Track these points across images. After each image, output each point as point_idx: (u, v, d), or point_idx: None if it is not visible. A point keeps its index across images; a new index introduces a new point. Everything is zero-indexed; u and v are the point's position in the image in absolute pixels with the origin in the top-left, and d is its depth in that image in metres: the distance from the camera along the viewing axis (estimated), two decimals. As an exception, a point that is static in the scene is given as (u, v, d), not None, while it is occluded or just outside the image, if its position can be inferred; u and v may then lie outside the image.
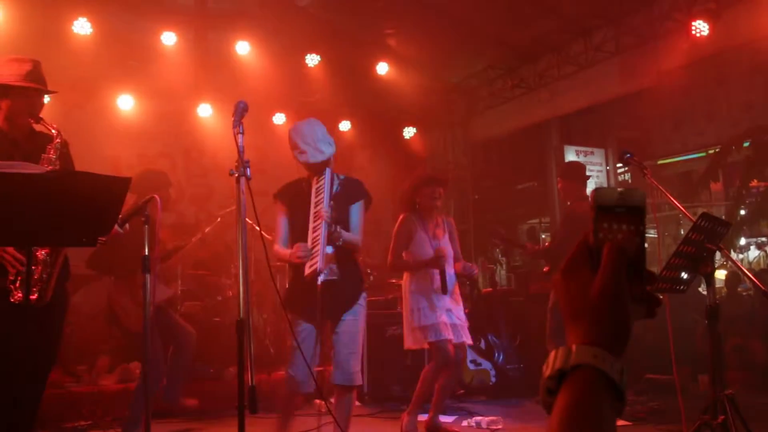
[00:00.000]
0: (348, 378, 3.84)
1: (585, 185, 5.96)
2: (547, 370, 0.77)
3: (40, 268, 3.05)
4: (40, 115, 3.25)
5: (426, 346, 4.82)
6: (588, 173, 9.79)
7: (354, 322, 3.85)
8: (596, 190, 0.82)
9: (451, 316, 4.80)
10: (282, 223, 3.92)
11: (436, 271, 4.78)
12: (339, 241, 3.74)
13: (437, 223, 5.02)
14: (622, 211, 0.81)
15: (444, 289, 4.75)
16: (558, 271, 0.83)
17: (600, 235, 0.81)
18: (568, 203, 6.09)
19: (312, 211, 3.79)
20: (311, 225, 3.75)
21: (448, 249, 4.91)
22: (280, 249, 3.84)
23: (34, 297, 3.02)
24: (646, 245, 0.82)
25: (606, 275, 0.78)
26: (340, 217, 3.82)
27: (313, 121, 3.95)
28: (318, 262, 3.61)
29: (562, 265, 0.83)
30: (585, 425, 0.72)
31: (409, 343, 4.88)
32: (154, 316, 4.97)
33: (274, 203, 3.98)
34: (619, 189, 0.83)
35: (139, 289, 4.90)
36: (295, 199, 3.93)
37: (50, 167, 3.10)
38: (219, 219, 6.17)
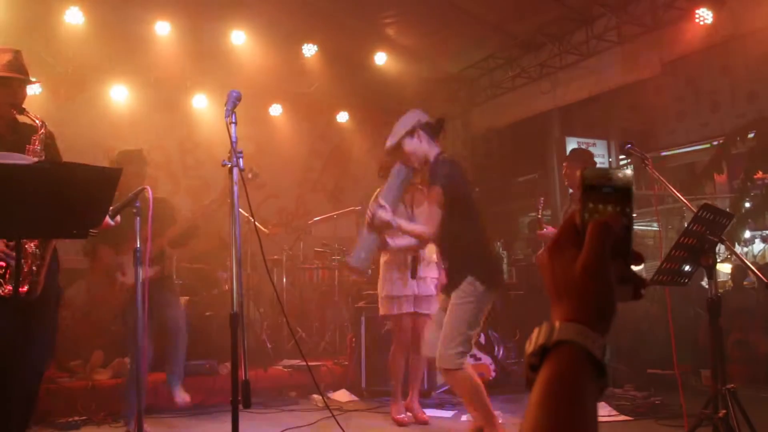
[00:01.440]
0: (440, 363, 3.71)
1: None
2: (530, 347, 0.78)
3: (29, 261, 3.05)
4: (23, 106, 3.24)
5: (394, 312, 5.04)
6: (592, 164, 9.87)
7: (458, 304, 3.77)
8: (584, 170, 0.83)
9: (421, 286, 5.05)
10: None
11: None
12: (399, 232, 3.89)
13: (413, 194, 5.09)
14: (609, 191, 0.82)
15: (413, 274, 4.97)
16: (545, 249, 0.84)
17: (587, 215, 0.81)
18: (571, 191, 6.12)
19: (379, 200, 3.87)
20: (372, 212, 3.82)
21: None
22: None
23: (24, 290, 3.02)
24: (634, 227, 0.83)
25: (589, 252, 0.78)
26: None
27: (409, 112, 4.01)
28: (353, 257, 3.88)
29: (549, 244, 0.83)
30: (566, 398, 0.73)
31: (381, 310, 5.16)
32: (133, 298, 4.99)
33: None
34: (607, 169, 0.84)
35: (109, 270, 4.95)
36: None
37: (35, 158, 3.09)
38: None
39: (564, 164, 6.03)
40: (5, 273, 2.99)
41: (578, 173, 0.84)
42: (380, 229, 3.76)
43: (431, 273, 5.15)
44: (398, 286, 5.02)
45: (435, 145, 3.89)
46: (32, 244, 3.06)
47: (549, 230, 5.54)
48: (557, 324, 0.77)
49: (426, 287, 5.09)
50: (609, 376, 0.77)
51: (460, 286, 3.68)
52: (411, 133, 3.82)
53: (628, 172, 0.83)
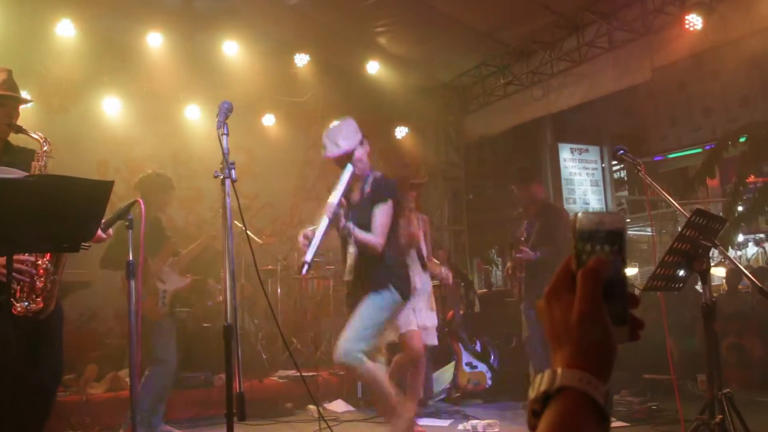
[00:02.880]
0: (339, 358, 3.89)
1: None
2: (533, 393, 0.79)
3: (44, 277, 3.03)
4: (20, 125, 3.22)
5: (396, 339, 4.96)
6: (584, 171, 9.90)
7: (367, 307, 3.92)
8: (576, 216, 0.84)
9: (421, 317, 4.96)
10: None
11: None
12: (350, 238, 3.89)
13: (410, 221, 5.05)
14: (602, 234, 0.83)
15: None
16: (543, 296, 0.85)
17: (583, 259, 0.83)
18: (549, 203, 6.19)
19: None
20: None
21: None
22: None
23: (40, 306, 3.00)
24: (626, 270, 0.84)
25: (581, 299, 0.80)
26: (363, 218, 3.91)
27: (345, 119, 4.16)
28: (307, 254, 3.71)
29: (546, 291, 0.84)
30: None
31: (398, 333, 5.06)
32: (169, 305, 5.06)
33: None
34: (599, 213, 0.85)
35: (150, 277, 5.02)
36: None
37: (25, 173, 3.08)
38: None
39: (513, 187, 6.00)
40: (17, 292, 2.95)
41: (572, 217, 0.86)
42: (336, 225, 3.88)
43: (425, 303, 5.10)
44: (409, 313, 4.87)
45: None
46: (45, 260, 3.04)
47: (525, 253, 5.58)
48: (559, 370, 0.78)
49: (420, 318, 4.97)
50: (610, 422, 0.78)
51: (381, 292, 3.90)
52: (362, 142, 4.06)
53: (620, 215, 0.85)
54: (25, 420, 3.03)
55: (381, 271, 3.95)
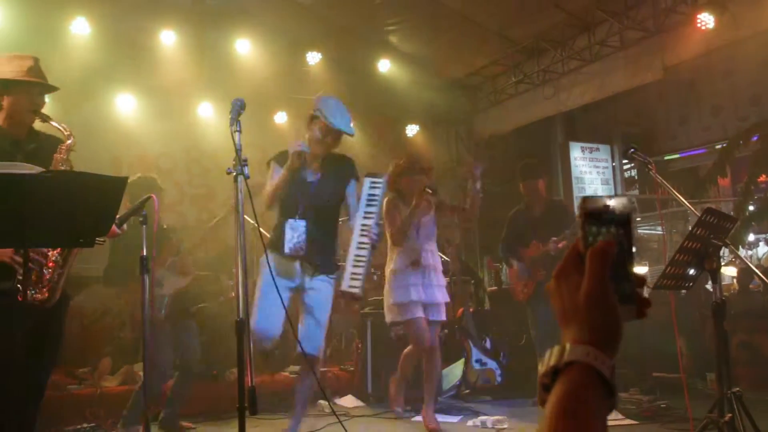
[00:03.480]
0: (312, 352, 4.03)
1: None
2: (543, 368, 0.83)
3: (52, 268, 3.06)
4: (47, 114, 3.25)
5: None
6: (594, 170, 9.86)
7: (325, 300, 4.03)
8: (584, 198, 0.87)
9: (426, 292, 4.97)
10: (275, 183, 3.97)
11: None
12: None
13: (421, 201, 5.04)
14: (608, 217, 0.86)
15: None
16: (552, 276, 0.88)
17: (589, 240, 0.85)
18: (554, 198, 6.16)
19: (362, 215, 3.78)
20: (356, 239, 3.74)
21: (429, 227, 5.11)
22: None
23: (45, 296, 3.03)
24: (633, 249, 0.86)
25: (590, 279, 0.83)
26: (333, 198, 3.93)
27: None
28: (359, 286, 3.68)
29: (555, 271, 0.88)
30: (576, 414, 0.77)
31: (388, 318, 5.12)
32: (167, 307, 5.08)
33: (268, 166, 3.97)
34: (605, 196, 0.87)
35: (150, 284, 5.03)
36: (292, 171, 3.92)
37: (63, 167, 3.11)
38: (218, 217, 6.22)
39: (537, 179, 5.92)
40: (24, 280, 2.99)
41: (579, 202, 0.87)
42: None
43: (437, 279, 5.10)
44: (407, 292, 4.95)
45: None
46: (55, 252, 3.07)
47: (554, 243, 5.59)
48: (567, 346, 0.81)
49: (432, 293, 5.02)
50: (617, 395, 0.81)
51: (332, 280, 4.01)
52: None
53: (626, 198, 0.87)
54: (26, 402, 3.06)
55: (333, 256, 4.11)
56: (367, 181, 3.84)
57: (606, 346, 0.80)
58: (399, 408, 5.38)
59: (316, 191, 3.99)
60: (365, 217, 3.75)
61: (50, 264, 3.05)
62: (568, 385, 0.79)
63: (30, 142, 3.26)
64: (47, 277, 3.05)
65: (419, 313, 4.92)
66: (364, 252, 3.66)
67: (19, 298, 2.91)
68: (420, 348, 5.04)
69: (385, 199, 4.97)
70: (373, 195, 3.78)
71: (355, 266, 3.66)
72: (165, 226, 5.62)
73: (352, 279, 3.66)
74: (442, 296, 5.10)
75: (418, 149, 9.25)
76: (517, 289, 6.00)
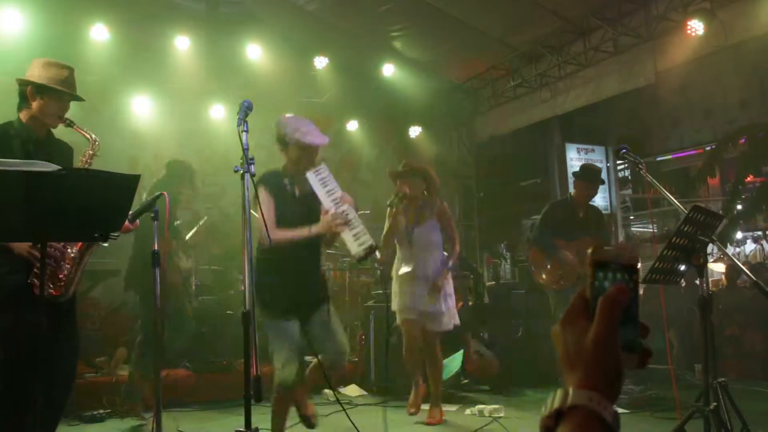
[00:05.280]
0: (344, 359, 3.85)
1: None
2: (545, 411, 0.82)
3: (70, 265, 3.07)
4: (73, 120, 3.27)
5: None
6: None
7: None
8: (594, 248, 0.87)
9: (420, 302, 4.85)
10: (271, 209, 3.53)
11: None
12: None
13: (417, 209, 4.95)
14: (617, 267, 0.86)
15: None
16: (558, 323, 0.87)
17: (596, 287, 0.85)
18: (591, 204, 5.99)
19: (329, 198, 3.57)
20: (335, 209, 3.47)
21: (426, 236, 4.94)
22: (285, 231, 3.48)
23: (59, 292, 3.04)
24: (640, 292, 0.87)
25: (599, 326, 0.82)
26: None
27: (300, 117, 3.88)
28: (367, 239, 3.46)
29: (562, 318, 0.87)
30: None
31: (398, 320, 5.06)
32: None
33: (258, 189, 3.49)
34: (613, 248, 0.86)
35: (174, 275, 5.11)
36: (279, 191, 3.62)
37: (58, 166, 3.13)
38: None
39: (579, 183, 5.70)
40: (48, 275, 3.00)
41: (589, 250, 0.87)
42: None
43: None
44: (399, 299, 4.90)
45: None
46: (74, 249, 3.08)
47: None
48: (571, 390, 0.81)
49: (425, 304, 4.86)
50: None
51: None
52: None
53: (634, 251, 0.87)
54: (53, 396, 3.07)
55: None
56: (310, 176, 3.64)
57: (608, 391, 0.80)
58: (413, 410, 5.15)
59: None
60: (330, 195, 3.59)
61: (68, 261, 3.06)
62: (571, 428, 0.78)
63: (48, 144, 3.29)
64: (64, 273, 3.06)
65: (409, 316, 4.87)
66: (351, 215, 3.53)
67: (35, 292, 2.92)
68: (408, 351, 5.02)
69: (387, 202, 4.93)
70: (322, 178, 3.61)
71: (351, 230, 3.52)
72: (176, 223, 5.65)
73: (356, 239, 3.51)
74: (439, 306, 4.88)
75: (421, 152, 9.25)
76: (550, 278, 5.66)
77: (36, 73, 3.22)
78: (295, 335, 3.52)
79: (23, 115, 3.23)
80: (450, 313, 4.98)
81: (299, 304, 3.58)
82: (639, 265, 0.86)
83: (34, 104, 3.21)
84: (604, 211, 9.90)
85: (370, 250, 3.46)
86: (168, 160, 5.70)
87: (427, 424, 4.94)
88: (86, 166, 3.21)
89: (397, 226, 4.90)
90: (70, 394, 3.32)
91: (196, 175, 5.65)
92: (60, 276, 3.06)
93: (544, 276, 5.73)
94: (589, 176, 5.77)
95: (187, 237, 5.38)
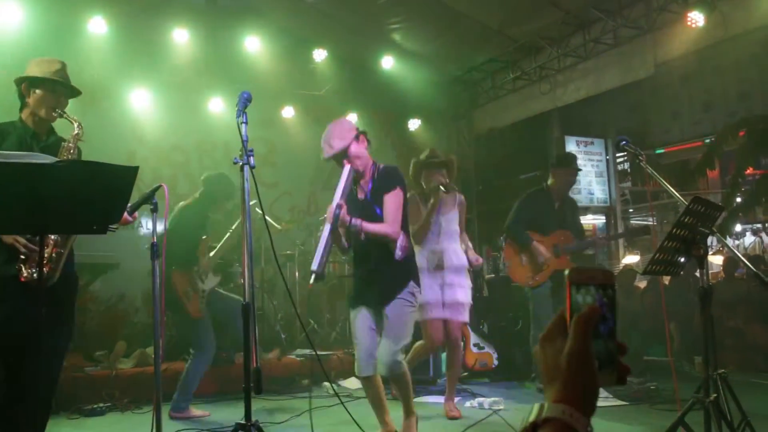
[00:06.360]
0: (382, 369, 3.74)
1: None
2: (522, 424, 0.86)
3: (51, 248, 3.07)
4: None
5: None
6: (589, 162, 9.82)
7: (391, 315, 3.74)
8: (571, 269, 0.90)
9: (447, 293, 4.86)
10: None
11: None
12: (360, 234, 3.69)
13: (442, 200, 4.96)
14: (594, 287, 0.89)
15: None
16: (539, 341, 0.91)
17: (574, 308, 0.88)
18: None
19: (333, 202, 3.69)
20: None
21: (451, 226, 5.00)
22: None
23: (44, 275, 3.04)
24: (618, 313, 0.90)
25: (572, 343, 0.86)
26: (371, 213, 3.72)
27: (339, 120, 4.01)
28: (313, 263, 3.53)
29: (542, 336, 0.91)
30: None
31: (419, 317, 4.97)
32: (206, 302, 5.14)
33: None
34: (591, 268, 0.91)
35: (195, 276, 5.11)
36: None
37: (68, 156, 3.15)
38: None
39: (556, 170, 5.84)
40: (26, 260, 3.01)
41: (566, 272, 0.90)
42: (342, 226, 3.66)
43: (459, 279, 4.94)
44: (424, 293, 4.71)
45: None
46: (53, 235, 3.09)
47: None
48: (546, 404, 0.85)
49: (453, 293, 4.88)
50: None
51: (404, 292, 3.75)
52: (357, 137, 3.82)
53: (611, 271, 0.91)
54: (40, 381, 3.08)
55: (394, 263, 3.75)
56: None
57: (582, 406, 0.83)
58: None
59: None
60: (334, 200, 3.71)
61: (48, 243, 3.06)
62: None
63: (47, 138, 3.31)
64: (46, 256, 3.05)
65: (434, 314, 4.84)
66: (325, 232, 3.62)
67: (21, 279, 2.94)
68: (430, 347, 5.02)
69: (408, 196, 4.92)
70: (341, 181, 3.75)
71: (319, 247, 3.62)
72: (204, 224, 5.61)
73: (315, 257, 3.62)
74: (463, 296, 4.92)
75: (420, 144, 9.22)
76: (523, 273, 5.69)
77: (30, 69, 3.31)
78: None
79: (24, 114, 3.31)
80: (468, 306, 5.03)
81: None
82: (615, 285, 0.90)
83: (30, 99, 3.27)
84: (603, 204, 9.95)
85: (312, 276, 3.52)
86: (204, 175, 5.60)
87: (453, 418, 4.92)
88: (74, 147, 3.22)
89: (429, 219, 4.91)
90: (55, 386, 3.30)
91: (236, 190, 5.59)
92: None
93: (518, 271, 5.75)
94: (568, 161, 5.82)
95: (211, 254, 5.36)
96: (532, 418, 0.85)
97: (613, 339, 0.88)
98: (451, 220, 5.02)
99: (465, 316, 5.00)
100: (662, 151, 10.33)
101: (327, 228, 3.59)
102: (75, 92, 3.42)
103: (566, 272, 0.89)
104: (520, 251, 5.75)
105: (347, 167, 3.73)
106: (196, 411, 5.09)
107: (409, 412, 4.02)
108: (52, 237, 3.07)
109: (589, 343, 0.85)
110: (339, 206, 3.58)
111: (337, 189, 3.66)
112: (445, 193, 4.85)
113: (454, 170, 5.04)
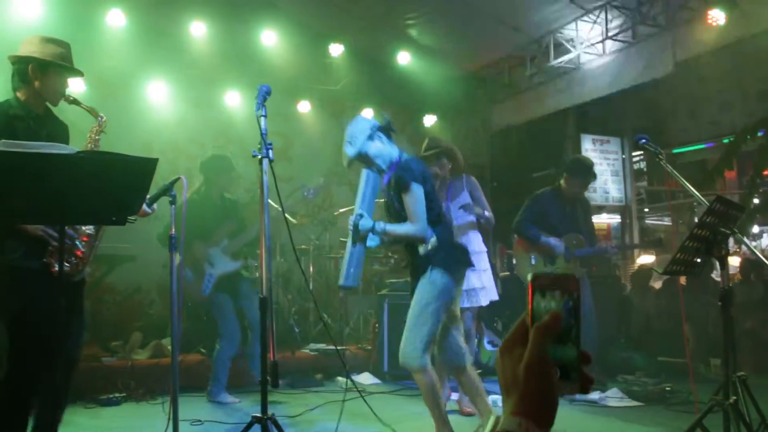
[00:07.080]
0: (401, 361, 3.57)
1: None
2: None
3: (86, 242, 3.08)
4: (75, 97, 3.26)
5: None
6: (605, 161, 9.75)
7: (414, 302, 3.61)
8: (534, 275, 0.85)
9: (480, 278, 4.86)
10: None
11: None
12: (386, 237, 3.61)
13: (448, 187, 4.96)
14: (557, 293, 0.84)
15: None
16: (499, 349, 0.88)
17: (535, 315, 0.84)
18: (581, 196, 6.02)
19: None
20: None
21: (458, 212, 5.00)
22: None
23: (73, 270, 3.05)
24: (581, 316, 0.85)
25: (530, 353, 0.82)
26: (398, 212, 3.61)
27: (354, 120, 3.81)
28: (341, 277, 3.53)
29: (501, 344, 0.88)
30: None
31: None
32: (213, 289, 5.17)
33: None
34: (553, 274, 0.85)
35: (201, 259, 5.14)
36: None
37: (91, 146, 3.15)
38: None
39: (569, 178, 5.73)
40: (53, 252, 3.00)
41: (528, 277, 0.86)
42: (364, 238, 3.56)
43: (477, 265, 4.79)
44: None
45: (394, 146, 3.73)
46: (88, 230, 3.10)
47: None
48: (502, 417, 0.82)
49: (467, 281, 4.69)
50: None
51: (423, 279, 3.57)
52: (371, 137, 3.65)
53: (574, 275, 0.85)
54: (61, 370, 3.09)
55: (418, 257, 3.61)
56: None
57: (540, 418, 0.80)
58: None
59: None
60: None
61: (84, 238, 3.06)
62: None
63: (48, 121, 3.28)
64: (81, 251, 3.07)
65: (462, 304, 4.76)
66: (348, 246, 3.59)
67: (53, 271, 2.92)
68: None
69: None
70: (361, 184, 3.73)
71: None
72: (231, 197, 5.68)
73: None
74: (477, 281, 4.90)
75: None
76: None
77: (35, 50, 3.17)
78: None
79: (21, 94, 3.19)
80: (486, 290, 4.97)
81: None
82: (579, 290, 0.84)
83: (37, 82, 3.17)
84: (618, 203, 9.87)
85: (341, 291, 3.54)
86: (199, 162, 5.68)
87: (467, 415, 4.91)
88: (94, 143, 3.21)
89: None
90: (72, 374, 3.31)
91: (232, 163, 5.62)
92: (78, 253, 3.06)
93: (527, 272, 5.70)
94: (583, 173, 5.71)
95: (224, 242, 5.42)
96: (487, 430, 0.83)
97: (577, 347, 0.83)
98: (460, 204, 5.02)
99: (479, 300, 4.95)
100: (679, 150, 10.23)
101: (349, 242, 3.56)
102: (80, 74, 3.36)
103: (528, 277, 0.85)
104: (531, 248, 5.73)
105: (364, 172, 3.68)
106: (228, 398, 5.26)
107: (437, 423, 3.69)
108: (87, 231, 3.07)
109: (546, 352, 0.82)
110: (359, 216, 3.53)
111: (356, 197, 3.63)
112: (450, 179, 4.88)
113: (455, 156, 5.05)
